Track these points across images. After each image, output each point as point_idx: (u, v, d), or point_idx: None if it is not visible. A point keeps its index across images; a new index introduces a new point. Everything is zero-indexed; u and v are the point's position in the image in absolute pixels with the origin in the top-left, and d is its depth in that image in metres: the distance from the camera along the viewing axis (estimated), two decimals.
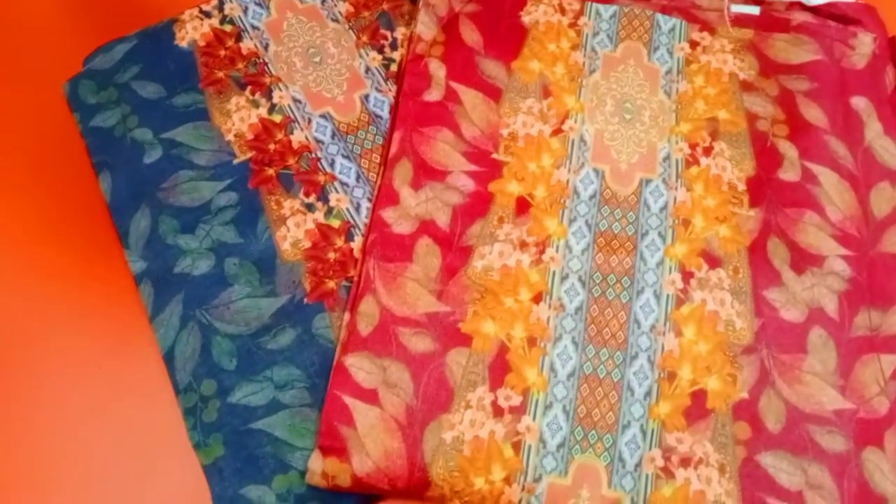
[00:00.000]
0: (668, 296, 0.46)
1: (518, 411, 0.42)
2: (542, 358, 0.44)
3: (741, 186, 0.50)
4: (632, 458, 0.42)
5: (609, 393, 0.43)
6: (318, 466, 0.40)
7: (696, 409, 0.43)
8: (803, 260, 0.47)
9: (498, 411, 0.42)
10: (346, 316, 0.45)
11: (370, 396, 0.42)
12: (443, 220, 0.47)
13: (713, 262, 0.47)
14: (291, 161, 0.50)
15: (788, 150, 0.51)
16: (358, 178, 0.50)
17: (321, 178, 0.50)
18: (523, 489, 0.41)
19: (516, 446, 0.41)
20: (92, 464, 0.44)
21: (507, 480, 0.41)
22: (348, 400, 0.42)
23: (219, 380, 0.43)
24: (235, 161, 0.50)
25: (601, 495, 0.41)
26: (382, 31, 0.55)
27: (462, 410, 0.42)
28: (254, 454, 0.42)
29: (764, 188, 0.50)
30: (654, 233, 0.48)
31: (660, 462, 0.41)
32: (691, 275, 0.47)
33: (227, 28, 0.54)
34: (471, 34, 0.54)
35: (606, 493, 0.41)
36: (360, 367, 0.43)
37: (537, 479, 0.41)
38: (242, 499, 0.41)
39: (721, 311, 0.46)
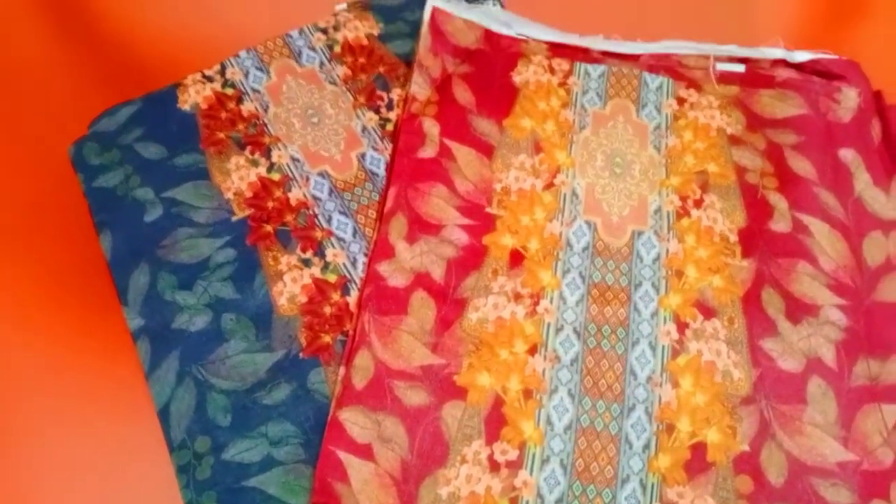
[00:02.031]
0: (663, 347, 0.46)
1: (515, 466, 0.42)
2: (538, 410, 0.43)
3: (733, 237, 0.50)
4: None
5: (607, 446, 0.43)
6: None
7: (697, 462, 0.42)
8: (798, 309, 0.47)
9: (494, 466, 0.42)
10: (342, 370, 0.45)
11: (365, 451, 0.41)
12: (437, 272, 0.48)
13: (708, 312, 0.47)
14: (289, 218, 0.51)
15: (779, 201, 0.52)
16: (354, 233, 0.51)
17: (318, 234, 0.50)
18: None
19: (514, 502, 0.41)
20: None
21: None
22: (343, 455, 0.41)
23: (213, 436, 0.43)
24: (234, 218, 0.50)
25: None
26: (379, 92, 0.57)
27: (458, 465, 0.41)
28: None
29: (756, 239, 0.50)
30: (647, 283, 0.48)
31: None
32: (686, 325, 0.47)
33: (229, 91, 0.56)
34: (463, 94, 0.55)
35: None
36: (354, 421, 0.42)
37: None
38: None
39: (718, 361, 0.45)
